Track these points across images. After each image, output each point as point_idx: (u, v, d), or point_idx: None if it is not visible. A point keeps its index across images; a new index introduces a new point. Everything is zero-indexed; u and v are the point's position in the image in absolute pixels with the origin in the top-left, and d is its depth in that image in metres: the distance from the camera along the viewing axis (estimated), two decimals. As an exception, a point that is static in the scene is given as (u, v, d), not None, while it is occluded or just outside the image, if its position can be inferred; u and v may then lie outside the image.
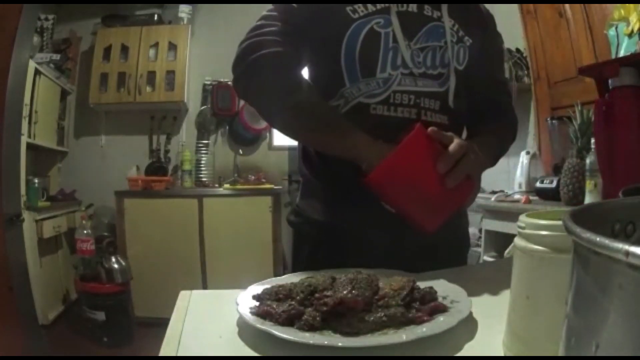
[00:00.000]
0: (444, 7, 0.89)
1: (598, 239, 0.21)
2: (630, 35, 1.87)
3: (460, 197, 0.79)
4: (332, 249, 0.89)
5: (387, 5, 0.84)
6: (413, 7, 0.87)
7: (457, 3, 0.91)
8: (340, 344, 0.47)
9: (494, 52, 1.03)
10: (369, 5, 0.84)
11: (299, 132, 0.89)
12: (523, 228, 0.44)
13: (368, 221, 0.86)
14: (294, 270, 0.89)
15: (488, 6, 1.02)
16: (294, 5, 0.85)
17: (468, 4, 0.95)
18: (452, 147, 0.74)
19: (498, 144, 0.95)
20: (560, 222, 0.29)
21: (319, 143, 0.87)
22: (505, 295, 0.48)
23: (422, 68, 0.86)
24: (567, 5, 2.40)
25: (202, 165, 3.62)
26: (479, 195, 0.97)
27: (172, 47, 3.49)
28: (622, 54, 1.90)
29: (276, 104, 0.83)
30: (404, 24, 0.84)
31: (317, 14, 0.84)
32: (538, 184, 2.10)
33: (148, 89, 3.44)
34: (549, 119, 2.40)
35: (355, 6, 0.84)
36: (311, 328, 0.50)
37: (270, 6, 0.87)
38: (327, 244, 0.90)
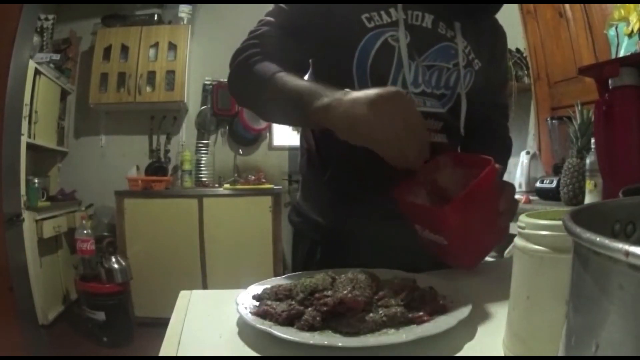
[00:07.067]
0: (458, 26, 0.87)
1: (598, 239, 0.21)
2: (630, 35, 1.88)
3: (498, 237, 0.77)
4: (330, 249, 0.89)
5: (399, 19, 0.83)
6: (428, 23, 0.85)
7: (462, 3, 0.90)
8: (340, 344, 0.47)
9: (499, 73, 1.02)
10: (384, 16, 0.83)
11: (288, 117, 0.84)
12: (523, 228, 0.44)
13: (367, 221, 0.86)
14: (294, 269, 0.89)
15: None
16: (290, 5, 0.84)
17: (482, 21, 0.93)
18: (508, 186, 0.75)
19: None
20: (560, 222, 0.29)
21: (299, 118, 0.78)
22: (505, 295, 0.48)
23: (429, 88, 0.86)
24: (567, 5, 2.40)
25: (202, 165, 3.62)
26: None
27: (172, 47, 3.48)
28: (622, 54, 1.90)
29: (258, 99, 0.81)
30: (415, 39, 0.83)
31: (325, 16, 0.82)
32: (538, 184, 2.10)
33: (148, 89, 3.44)
34: (549, 119, 2.40)
35: (372, 14, 0.82)
36: (311, 328, 0.50)
37: (270, 7, 0.87)
38: (326, 243, 0.90)
